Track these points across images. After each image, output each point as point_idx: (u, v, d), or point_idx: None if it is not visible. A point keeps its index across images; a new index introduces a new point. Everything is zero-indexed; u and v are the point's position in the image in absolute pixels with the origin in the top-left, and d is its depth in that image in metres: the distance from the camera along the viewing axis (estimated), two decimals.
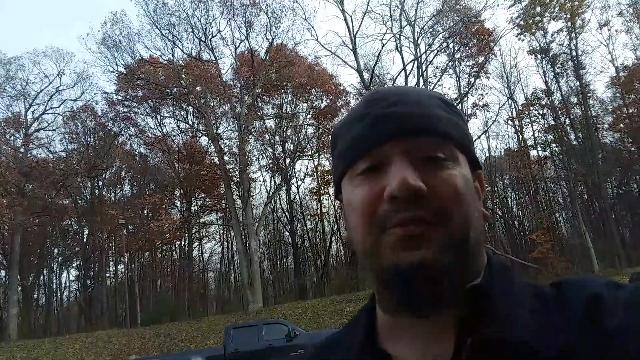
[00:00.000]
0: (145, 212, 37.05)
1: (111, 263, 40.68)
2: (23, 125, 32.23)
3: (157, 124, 34.70)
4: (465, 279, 0.55)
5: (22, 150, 31.56)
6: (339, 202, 0.66)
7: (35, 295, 41.68)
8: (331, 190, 39.24)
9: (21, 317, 34.87)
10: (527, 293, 0.56)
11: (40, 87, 32.43)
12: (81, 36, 51.02)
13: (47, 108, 32.75)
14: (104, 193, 39.51)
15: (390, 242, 0.53)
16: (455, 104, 0.64)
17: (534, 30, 30.22)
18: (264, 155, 35.46)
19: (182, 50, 29.08)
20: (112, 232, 36.44)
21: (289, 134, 34.93)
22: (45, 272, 42.14)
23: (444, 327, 0.54)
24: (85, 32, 56.54)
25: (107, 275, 39.59)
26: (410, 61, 29.10)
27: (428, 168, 0.55)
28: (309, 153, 36.00)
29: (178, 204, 38.78)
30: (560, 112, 32.32)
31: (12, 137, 32.73)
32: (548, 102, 32.71)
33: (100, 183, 38.60)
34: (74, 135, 35.00)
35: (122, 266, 36.63)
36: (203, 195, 37.55)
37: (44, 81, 32.37)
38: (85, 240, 38.24)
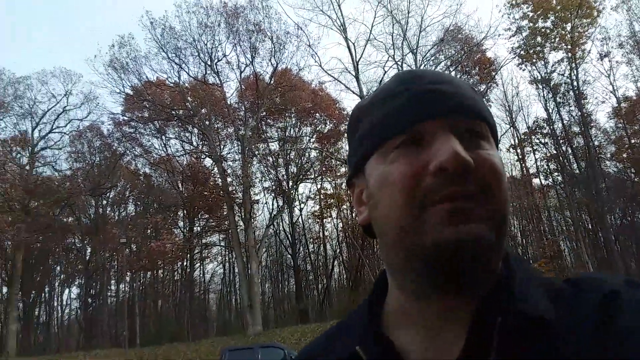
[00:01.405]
0: (148, 231, 37.18)
1: (113, 282, 40.73)
2: (29, 144, 32.67)
3: (162, 145, 35.07)
4: (499, 261, 0.54)
5: (27, 168, 31.89)
6: (349, 188, 0.66)
7: (36, 313, 41.67)
8: (334, 214, 39.35)
9: (21, 334, 34.77)
10: (544, 285, 0.56)
11: (48, 106, 33.05)
12: (89, 58, 51.60)
13: (54, 127, 33.34)
14: (108, 212, 39.75)
15: (436, 218, 0.50)
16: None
17: (534, 60, 30.49)
18: (267, 177, 35.64)
19: (188, 74, 29.69)
20: (115, 251, 36.54)
21: (292, 157, 35.15)
22: (46, 289, 42.27)
23: (455, 315, 0.53)
24: (93, 54, 57.47)
25: (109, 294, 39.60)
26: None
27: (470, 145, 0.54)
28: (312, 176, 36.13)
29: (181, 224, 38.90)
30: (562, 141, 32.36)
31: (18, 155, 33.17)
32: (549, 130, 32.81)
33: (105, 202, 38.88)
34: (79, 154, 35.40)
35: (124, 285, 36.69)
36: (206, 216, 37.65)
37: (51, 101, 32.98)
38: (87, 258, 38.38)
